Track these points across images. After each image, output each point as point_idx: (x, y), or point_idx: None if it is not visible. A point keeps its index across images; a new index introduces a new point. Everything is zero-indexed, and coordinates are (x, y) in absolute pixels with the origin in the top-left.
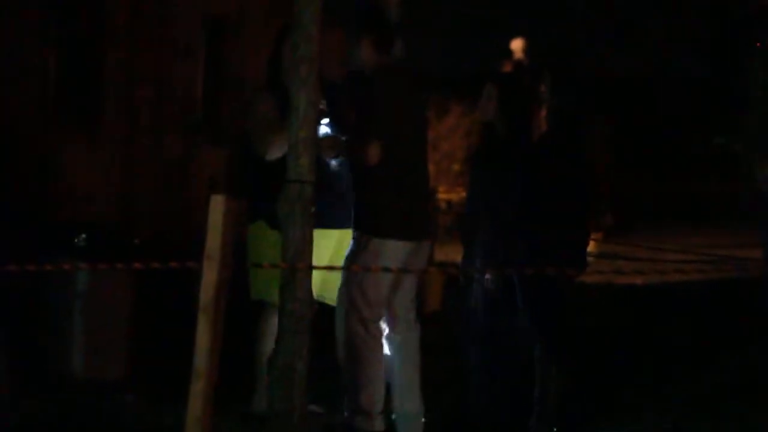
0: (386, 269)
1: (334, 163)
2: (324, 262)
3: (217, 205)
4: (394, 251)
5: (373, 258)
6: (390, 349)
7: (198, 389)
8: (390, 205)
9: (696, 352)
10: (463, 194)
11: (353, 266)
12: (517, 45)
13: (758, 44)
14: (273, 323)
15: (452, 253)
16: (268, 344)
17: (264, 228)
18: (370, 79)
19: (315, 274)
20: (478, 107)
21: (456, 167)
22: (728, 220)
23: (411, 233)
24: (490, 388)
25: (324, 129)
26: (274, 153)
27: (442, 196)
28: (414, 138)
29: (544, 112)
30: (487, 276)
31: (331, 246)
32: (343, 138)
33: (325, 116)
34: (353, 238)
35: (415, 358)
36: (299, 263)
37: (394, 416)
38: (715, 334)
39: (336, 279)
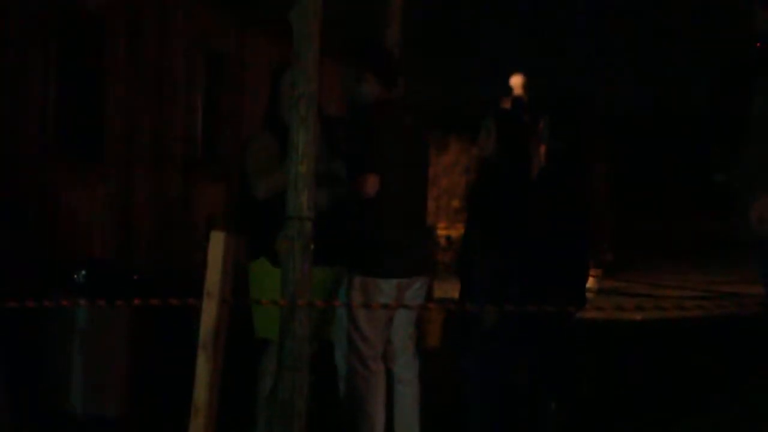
0: (382, 305)
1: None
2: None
3: (218, 242)
4: (384, 289)
5: (364, 296)
6: (390, 384)
7: (197, 426)
8: (379, 242)
9: (696, 389)
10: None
11: (347, 304)
12: (516, 81)
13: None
14: (275, 361)
15: (451, 290)
16: (270, 382)
17: (266, 265)
18: (370, 112)
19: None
20: (477, 143)
21: (455, 203)
22: (727, 256)
23: (401, 271)
24: (490, 424)
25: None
26: (264, 193)
27: (442, 232)
28: (411, 174)
29: (543, 148)
30: (485, 312)
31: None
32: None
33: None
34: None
35: (414, 393)
36: (298, 300)
37: None
38: (716, 371)
39: (334, 316)
